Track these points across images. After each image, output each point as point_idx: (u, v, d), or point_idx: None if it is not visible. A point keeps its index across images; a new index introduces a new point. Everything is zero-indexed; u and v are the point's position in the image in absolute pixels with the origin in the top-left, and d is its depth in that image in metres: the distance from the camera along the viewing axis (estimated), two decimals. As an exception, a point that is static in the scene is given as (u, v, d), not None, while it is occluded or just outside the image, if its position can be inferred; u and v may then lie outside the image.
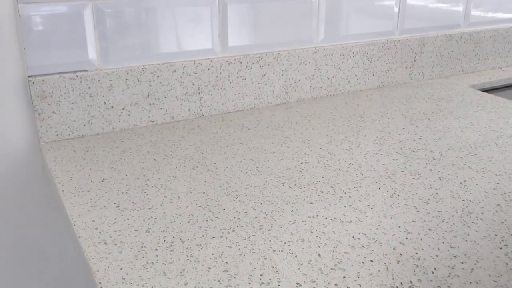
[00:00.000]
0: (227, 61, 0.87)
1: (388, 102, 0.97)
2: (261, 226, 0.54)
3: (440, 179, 0.66)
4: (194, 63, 0.84)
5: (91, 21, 0.75)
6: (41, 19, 0.71)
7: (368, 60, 1.03)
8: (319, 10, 0.94)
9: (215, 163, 0.70)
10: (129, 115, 0.81)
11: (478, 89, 1.13)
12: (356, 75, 1.03)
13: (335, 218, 0.56)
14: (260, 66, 0.91)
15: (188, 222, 0.55)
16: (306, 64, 0.96)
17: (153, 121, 0.84)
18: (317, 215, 0.57)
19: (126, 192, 0.62)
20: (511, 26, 1.23)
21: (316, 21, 0.95)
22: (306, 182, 0.65)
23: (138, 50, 0.80)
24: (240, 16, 0.87)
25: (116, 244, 0.51)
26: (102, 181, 0.65)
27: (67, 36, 0.74)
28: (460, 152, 0.75)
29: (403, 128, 0.84)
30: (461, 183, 0.65)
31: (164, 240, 0.51)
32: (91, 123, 0.79)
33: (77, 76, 0.75)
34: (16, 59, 0.72)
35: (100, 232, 0.53)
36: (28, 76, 0.73)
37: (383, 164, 0.70)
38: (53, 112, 0.75)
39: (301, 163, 0.71)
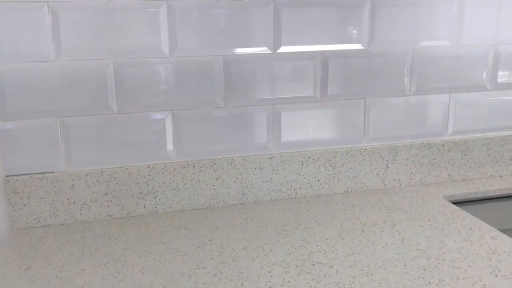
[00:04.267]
0: (181, 166, 0.99)
1: (340, 210, 1.00)
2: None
3: (310, 297, 0.69)
4: (148, 167, 0.97)
5: (58, 133, 0.92)
6: (17, 132, 0.91)
7: (331, 166, 1.07)
8: (273, 119, 1.03)
9: (126, 261, 0.80)
10: (89, 209, 0.96)
11: (456, 200, 1.09)
12: (318, 180, 1.07)
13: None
14: (214, 170, 1.01)
15: (56, 314, 0.66)
16: (262, 169, 1.04)
17: (111, 216, 0.98)
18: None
19: (35, 281, 0.74)
20: (507, 134, 1.19)
21: (272, 129, 1.03)
22: (186, 286, 0.72)
23: (97, 156, 0.95)
24: (194, 127, 0.99)
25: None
26: (28, 268, 0.78)
27: (38, 145, 0.92)
28: (357, 270, 0.76)
29: (326, 240, 0.87)
30: (326, 304, 0.67)
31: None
32: (56, 215, 0.94)
33: (44, 176, 0.93)
34: (-3, 162, 0.92)
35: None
36: (6, 176, 0.92)
37: (272, 276, 0.74)
38: (24, 205, 0.93)
39: (199, 267, 0.78)
